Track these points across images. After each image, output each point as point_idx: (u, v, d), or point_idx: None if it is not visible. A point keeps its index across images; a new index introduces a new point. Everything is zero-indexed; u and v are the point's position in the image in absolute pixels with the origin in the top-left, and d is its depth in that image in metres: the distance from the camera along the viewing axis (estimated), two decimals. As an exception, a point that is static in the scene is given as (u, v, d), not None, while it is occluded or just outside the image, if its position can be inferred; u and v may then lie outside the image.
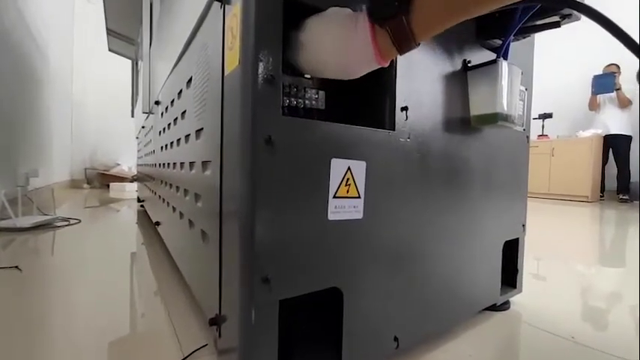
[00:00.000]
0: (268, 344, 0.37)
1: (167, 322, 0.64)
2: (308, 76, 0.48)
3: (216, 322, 0.45)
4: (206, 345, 0.54)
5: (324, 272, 0.40)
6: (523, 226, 0.74)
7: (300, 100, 0.44)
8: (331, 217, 0.41)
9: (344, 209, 0.42)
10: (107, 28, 2.44)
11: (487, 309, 0.69)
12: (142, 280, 0.87)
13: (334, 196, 0.41)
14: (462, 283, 0.59)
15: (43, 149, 2.56)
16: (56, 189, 2.61)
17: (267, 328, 0.37)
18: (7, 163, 1.74)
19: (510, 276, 0.74)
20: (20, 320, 0.64)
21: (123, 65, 3.12)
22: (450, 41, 0.54)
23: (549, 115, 3.89)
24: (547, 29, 0.57)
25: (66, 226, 1.56)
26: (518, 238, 0.73)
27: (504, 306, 0.72)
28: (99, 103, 3.99)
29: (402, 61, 0.47)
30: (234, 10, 0.37)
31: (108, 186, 3.67)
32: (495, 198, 0.65)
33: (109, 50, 2.85)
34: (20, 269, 0.90)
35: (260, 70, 0.35)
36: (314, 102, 0.46)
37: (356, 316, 0.44)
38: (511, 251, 0.73)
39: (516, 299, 0.76)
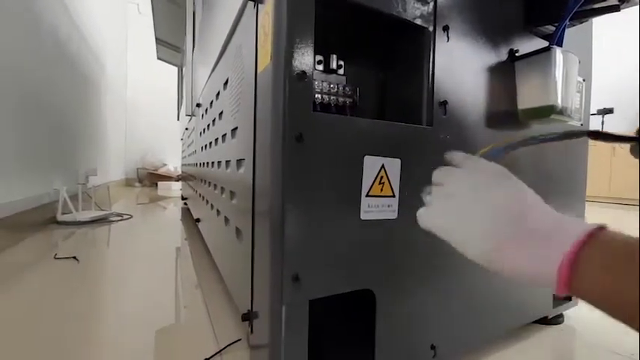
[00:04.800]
0: (298, 343, 0.36)
1: (205, 315, 0.66)
2: (341, 72, 0.47)
3: (248, 317, 0.45)
4: (240, 340, 0.55)
5: (356, 273, 0.39)
6: (580, 231, 0.67)
7: (332, 97, 0.43)
8: (364, 216, 0.39)
9: (377, 208, 0.40)
10: (156, 38, 2.61)
11: (537, 322, 0.63)
12: (185, 274, 0.92)
13: (367, 195, 0.39)
14: (509, 292, 0.55)
15: (101, 150, 2.80)
16: (112, 187, 2.85)
17: (298, 326, 0.36)
18: (70, 163, 1.93)
19: (564, 286, 0.67)
20: (76, 306, 0.69)
21: (170, 72, 3.33)
22: (495, 29, 0.50)
23: (610, 111, 3.51)
24: (605, 13, 0.51)
25: (119, 220, 1.69)
26: (573, 245, 0.66)
27: (557, 319, 0.66)
28: (149, 108, 4.29)
29: (441, 52, 0.44)
30: (267, 8, 0.37)
31: (156, 184, 3.94)
32: (548, 200, 0.59)
33: (158, 58, 3.05)
34: (77, 259, 0.98)
35: (291, 65, 0.34)
36: (347, 98, 0.45)
37: (389, 320, 0.42)
38: (565, 259, 0.66)
39: (571, 313, 0.69)
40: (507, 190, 0.27)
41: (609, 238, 0.21)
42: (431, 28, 0.43)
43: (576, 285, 0.21)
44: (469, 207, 0.27)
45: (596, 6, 0.49)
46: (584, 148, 0.66)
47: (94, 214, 1.67)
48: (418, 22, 0.42)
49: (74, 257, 0.99)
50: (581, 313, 0.69)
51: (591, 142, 0.76)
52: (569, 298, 0.66)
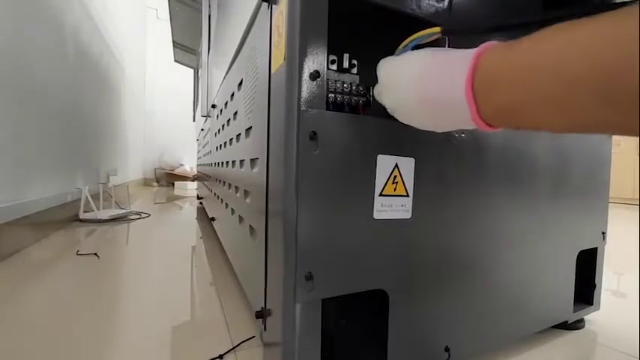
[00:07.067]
0: (311, 341, 0.37)
1: (220, 312, 0.67)
2: (354, 71, 0.47)
3: (261, 315, 0.46)
4: (253, 337, 0.56)
5: (369, 273, 0.39)
6: (603, 234, 0.64)
7: (346, 96, 0.43)
8: (377, 215, 0.39)
9: (391, 208, 0.40)
10: (173, 41, 2.67)
11: (557, 326, 0.61)
12: (200, 272, 0.93)
13: (380, 194, 0.39)
14: (527, 296, 0.53)
15: (120, 151, 2.89)
16: (131, 186, 2.93)
17: (311, 325, 0.36)
18: (92, 163, 2.00)
19: (586, 291, 0.65)
20: (96, 300, 0.72)
21: (186, 74, 3.40)
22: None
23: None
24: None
25: (138, 219, 1.73)
26: (596, 248, 0.64)
27: (578, 324, 0.64)
28: (166, 109, 4.39)
29: (453, 45, 0.43)
30: (280, 8, 0.38)
31: (173, 184, 4.03)
32: (568, 201, 0.58)
33: (175, 61, 3.13)
34: (98, 256, 1.02)
35: (305, 65, 0.35)
36: (361, 97, 0.45)
37: (402, 321, 0.41)
38: (587, 263, 0.64)
39: (592, 318, 0.67)
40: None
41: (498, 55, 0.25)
42: (446, 26, 0.42)
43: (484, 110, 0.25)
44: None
45: (618, 0, 0.47)
46: (607, 149, 0.64)
47: (114, 212, 1.72)
48: (433, 19, 0.42)
49: (95, 254, 1.03)
50: (604, 318, 0.67)
51: (615, 142, 0.73)
52: (590, 302, 0.64)
